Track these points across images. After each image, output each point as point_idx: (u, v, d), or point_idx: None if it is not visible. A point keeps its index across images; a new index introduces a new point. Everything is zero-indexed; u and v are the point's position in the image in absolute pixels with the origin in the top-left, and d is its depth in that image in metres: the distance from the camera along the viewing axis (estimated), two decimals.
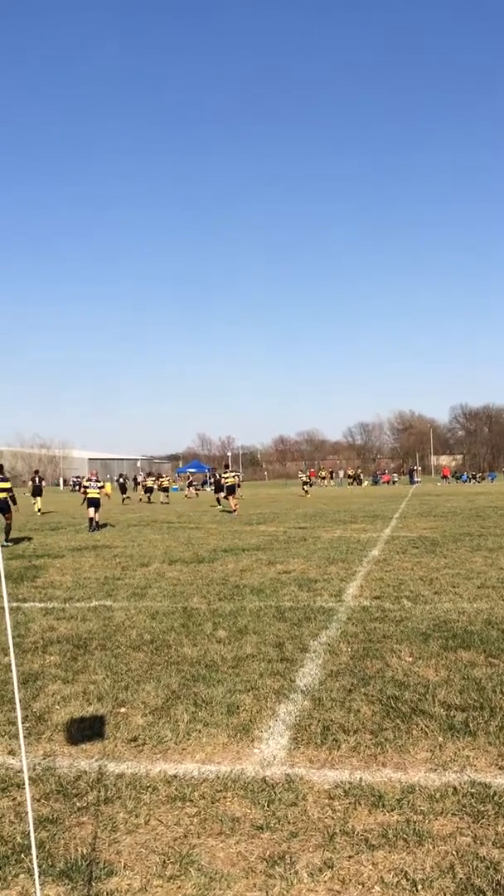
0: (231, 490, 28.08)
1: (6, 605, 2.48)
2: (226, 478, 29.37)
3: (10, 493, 17.42)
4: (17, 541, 17.42)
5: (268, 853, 3.26)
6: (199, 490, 61.68)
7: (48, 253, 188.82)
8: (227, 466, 32.76)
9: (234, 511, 27.02)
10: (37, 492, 32.45)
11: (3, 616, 8.36)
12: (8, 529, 17.18)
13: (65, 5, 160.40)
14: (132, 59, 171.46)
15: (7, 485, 17.57)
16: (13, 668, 2.65)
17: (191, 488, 54.72)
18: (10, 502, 17.19)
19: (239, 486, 29.69)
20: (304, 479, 49.39)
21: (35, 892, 2.90)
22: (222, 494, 32.54)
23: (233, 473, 30.50)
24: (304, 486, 46.67)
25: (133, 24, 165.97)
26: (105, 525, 22.61)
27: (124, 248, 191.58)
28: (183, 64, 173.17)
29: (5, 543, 16.64)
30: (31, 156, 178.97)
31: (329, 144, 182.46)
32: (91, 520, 21.25)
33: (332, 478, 73.38)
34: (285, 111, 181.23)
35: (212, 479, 37.86)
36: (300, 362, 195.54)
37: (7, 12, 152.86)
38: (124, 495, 44.25)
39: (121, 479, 47.79)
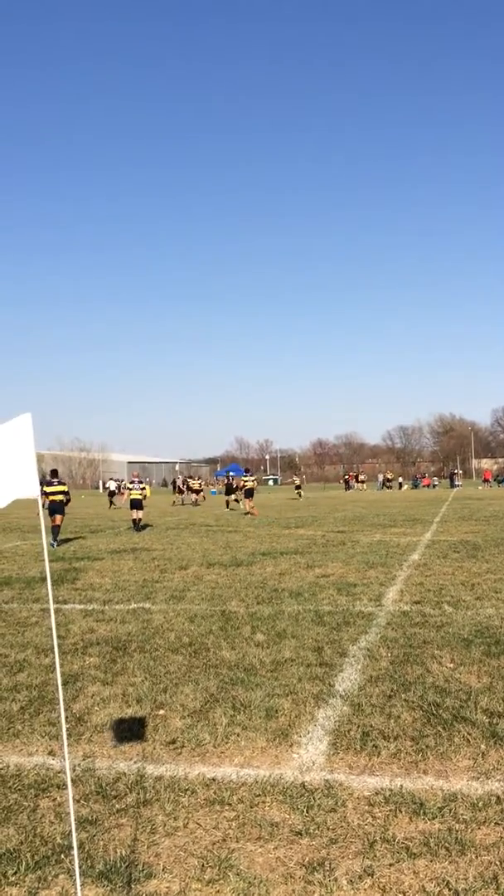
0: (249, 493, 29.08)
1: (51, 606, 2.49)
2: (245, 481, 30.42)
3: (67, 496, 18.69)
4: (61, 542, 17.61)
5: (307, 859, 3.23)
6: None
7: (91, 257, 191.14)
8: (247, 471, 33.58)
9: (252, 514, 28.02)
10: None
11: (46, 617, 8.46)
12: (56, 531, 17.90)
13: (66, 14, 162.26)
14: (132, 60, 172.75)
15: (63, 488, 18.81)
16: (57, 670, 2.66)
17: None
18: (63, 505, 18.31)
19: (255, 490, 30.85)
20: (297, 482, 50.91)
21: (76, 894, 2.91)
22: (233, 497, 34.27)
23: (252, 478, 31.29)
24: (298, 490, 48.45)
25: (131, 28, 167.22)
26: (147, 525, 23.18)
27: (164, 251, 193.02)
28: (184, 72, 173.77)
29: (52, 543, 17.30)
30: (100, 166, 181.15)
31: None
32: (134, 520, 22.17)
33: (356, 482, 72.81)
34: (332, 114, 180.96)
35: (225, 482, 39.20)
36: (339, 365, 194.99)
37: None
38: (182, 496, 45.27)
39: (180, 480, 48.95)
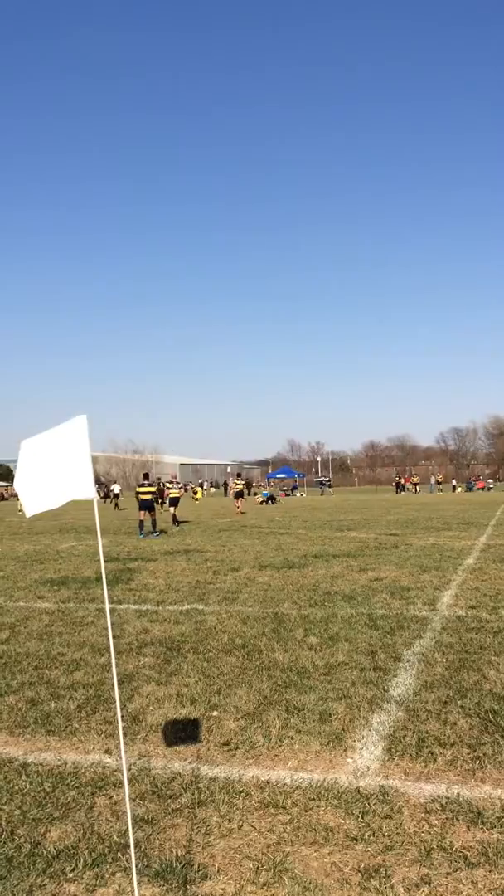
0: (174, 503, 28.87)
1: (107, 607, 2.52)
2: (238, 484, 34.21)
3: (155, 495, 22.12)
4: (148, 534, 17.84)
5: (362, 865, 3.20)
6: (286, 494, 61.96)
7: (149, 261, 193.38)
8: (238, 475, 39.53)
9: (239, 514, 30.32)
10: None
11: (101, 617, 8.58)
12: (154, 524, 21.21)
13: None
14: (130, 63, 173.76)
15: (152, 489, 22.17)
16: (113, 669, 2.69)
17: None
18: (155, 503, 21.75)
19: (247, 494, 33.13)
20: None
21: (133, 892, 2.95)
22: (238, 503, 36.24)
23: (242, 482, 35.51)
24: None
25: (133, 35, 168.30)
26: (184, 522, 25.40)
27: (220, 256, 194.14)
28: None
29: (154, 533, 20.75)
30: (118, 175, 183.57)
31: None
32: (174, 517, 24.84)
33: (411, 484, 72.01)
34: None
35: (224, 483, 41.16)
36: (391, 367, 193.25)
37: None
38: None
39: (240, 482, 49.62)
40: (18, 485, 2.99)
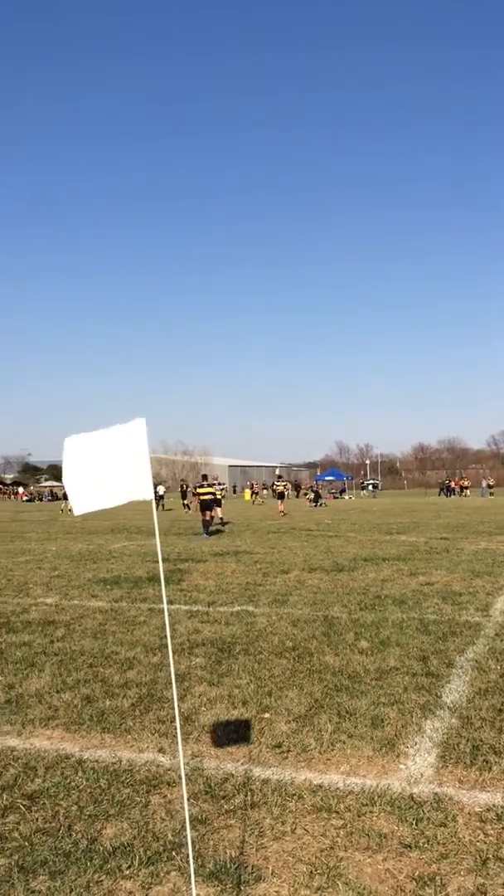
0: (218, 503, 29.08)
1: (166, 608, 2.57)
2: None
3: (214, 495, 22.99)
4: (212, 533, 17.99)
5: (417, 873, 3.18)
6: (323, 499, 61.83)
7: (203, 264, 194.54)
8: (279, 477, 40.51)
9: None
10: (184, 496, 37.11)
11: (153, 617, 8.67)
12: (206, 525, 21.97)
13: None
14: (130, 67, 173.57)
15: (212, 489, 22.96)
16: (171, 668, 2.73)
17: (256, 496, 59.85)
18: (214, 503, 22.94)
19: (224, 498, 32.65)
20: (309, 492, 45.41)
21: (191, 891, 2.98)
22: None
23: (283, 483, 36.64)
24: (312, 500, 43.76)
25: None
26: (228, 522, 26.64)
27: (256, 263, 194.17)
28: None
29: (222, 527, 22.92)
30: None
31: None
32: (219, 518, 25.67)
33: (461, 489, 70.80)
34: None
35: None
36: (440, 368, 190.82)
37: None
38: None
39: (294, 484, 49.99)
40: (67, 482, 2.95)
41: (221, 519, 25.51)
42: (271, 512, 36.98)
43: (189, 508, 42.28)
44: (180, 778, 4.14)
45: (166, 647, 7.19)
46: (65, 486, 2.99)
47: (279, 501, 34.08)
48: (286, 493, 36.11)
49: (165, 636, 7.61)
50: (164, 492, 49.64)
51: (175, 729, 4.92)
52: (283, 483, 36.45)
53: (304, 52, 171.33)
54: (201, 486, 22.85)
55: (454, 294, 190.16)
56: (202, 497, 22.24)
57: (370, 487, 76.55)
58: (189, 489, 48.50)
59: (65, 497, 60.28)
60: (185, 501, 45.45)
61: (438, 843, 3.42)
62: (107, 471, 2.96)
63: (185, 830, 2.77)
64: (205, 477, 24.60)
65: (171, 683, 5.92)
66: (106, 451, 2.98)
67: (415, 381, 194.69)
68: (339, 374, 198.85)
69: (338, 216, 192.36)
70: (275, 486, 36.05)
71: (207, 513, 22.05)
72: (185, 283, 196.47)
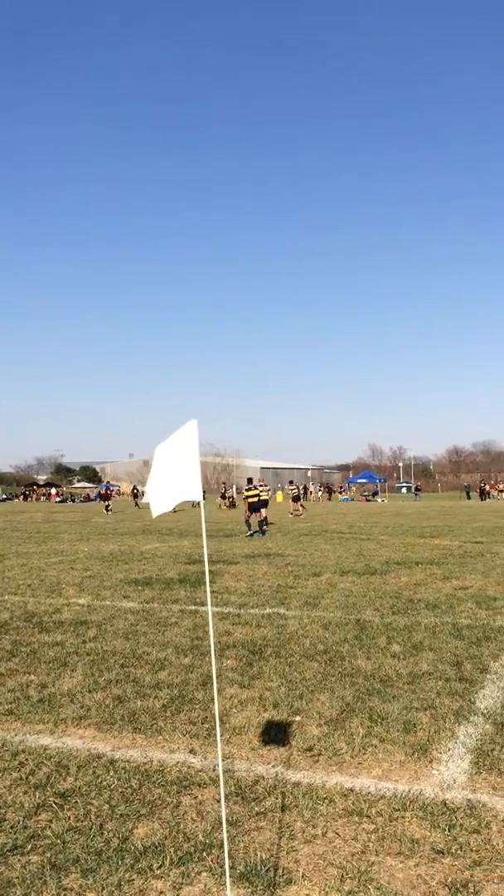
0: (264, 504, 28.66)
1: (210, 609, 2.57)
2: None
3: (260, 498, 23.41)
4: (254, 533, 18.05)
5: (449, 879, 3.14)
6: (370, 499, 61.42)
7: (235, 266, 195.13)
8: (290, 482, 44.06)
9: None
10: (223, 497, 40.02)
11: (184, 618, 8.70)
12: (250, 525, 22.83)
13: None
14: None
15: (257, 491, 23.59)
16: (213, 666, 2.73)
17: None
18: (261, 504, 23.18)
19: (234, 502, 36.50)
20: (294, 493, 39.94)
21: (226, 892, 2.98)
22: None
23: (296, 487, 40.20)
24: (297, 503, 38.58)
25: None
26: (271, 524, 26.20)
27: (288, 261, 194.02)
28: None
29: (250, 535, 22.08)
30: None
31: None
32: (265, 519, 25.98)
33: (497, 491, 69.97)
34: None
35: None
36: (475, 370, 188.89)
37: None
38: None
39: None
40: (149, 488, 3.13)
41: (265, 518, 25.85)
42: (304, 514, 36.93)
43: (234, 507, 44.64)
44: (215, 778, 4.14)
45: (197, 648, 7.21)
46: (147, 491, 3.16)
47: (295, 503, 38.04)
48: (300, 495, 40.06)
49: (197, 637, 7.63)
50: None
51: (206, 730, 4.93)
52: (294, 488, 40.34)
53: (303, 50, 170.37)
54: (248, 489, 23.96)
55: (490, 294, 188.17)
56: (249, 500, 23.36)
57: (412, 491, 75.90)
58: (226, 491, 50.92)
59: (99, 497, 60.92)
60: (223, 502, 47.40)
61: (471, 850, 3.37)
62: (169, 473, 3.06)
63: (222, 831, 2.76)
64: (250, 480, 25.48)
65: (202, 685, 5.93)
66: (169, 456, 3.09)
67: (449, 383, 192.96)
68: (373, 375, 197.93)
69: (379, 205, 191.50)
70: (290, 490, 41.18)
71: (256, 514, 23.01)
72: (221, 281, 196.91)
